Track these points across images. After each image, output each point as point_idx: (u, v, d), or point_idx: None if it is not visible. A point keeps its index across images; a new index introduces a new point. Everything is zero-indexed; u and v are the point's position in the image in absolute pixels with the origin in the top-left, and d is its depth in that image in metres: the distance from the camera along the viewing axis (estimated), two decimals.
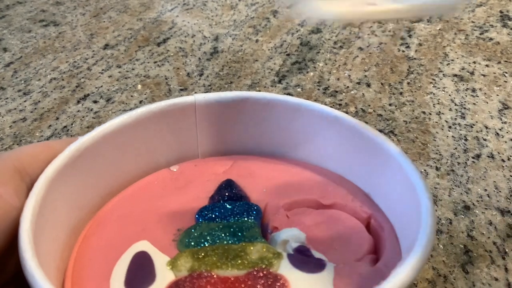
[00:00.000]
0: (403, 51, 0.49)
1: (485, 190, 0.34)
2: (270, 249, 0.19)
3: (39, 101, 0.43)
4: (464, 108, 0.42)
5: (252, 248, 0.19)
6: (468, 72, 0.46)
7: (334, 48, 0.50)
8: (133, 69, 0.48)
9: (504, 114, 0.41)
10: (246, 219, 0.21)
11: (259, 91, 0.43)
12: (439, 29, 0.53)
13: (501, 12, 0.55)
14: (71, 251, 0.20)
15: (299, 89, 0.44)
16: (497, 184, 0.34)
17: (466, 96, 0.43)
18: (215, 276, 0.18)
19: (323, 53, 0.50)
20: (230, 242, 0.20)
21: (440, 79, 0.45)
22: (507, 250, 0.30)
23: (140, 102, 0.43)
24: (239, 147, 0.25)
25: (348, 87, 0.44)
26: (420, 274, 0.27)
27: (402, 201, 0.20)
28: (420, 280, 0.28)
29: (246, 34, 0.53)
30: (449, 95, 0.43)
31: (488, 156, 0.37)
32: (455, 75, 0.46)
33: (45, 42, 0.53)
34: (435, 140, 0.38)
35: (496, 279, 0.28)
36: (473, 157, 0.37)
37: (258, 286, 0.18)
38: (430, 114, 0.41)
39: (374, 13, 0.19)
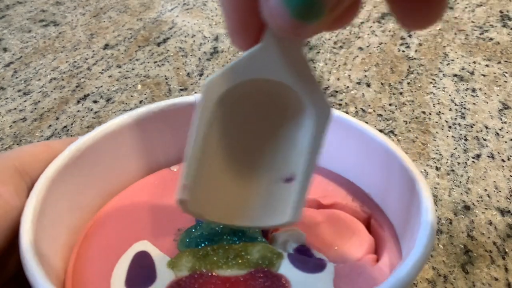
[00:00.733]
0: (403, 51, 0.49)
1: (485, 190, 0.34)
2: (270, 249, 0.19)
3: (39, 101, 0.43)
4: (464, 108, 0.42)
5: (252, 248, 0.19)
6: (468, 72, 0.46)
7: (334, 48, 0.50)
8: (133, 69, 0.48)
9: (504, 114, 0.41)
10: None
11: None
12: (439, 29, 0.53)
13: (501, 12, 0.55)
14: (72, 251, 0.20)
15: None
16: (497, 184, 0.34)
17: (466, 96, 0.43)
18: (215, 276, 0.18)
19: (323, 53, 0.50)
20: (230, 242, 0.20)
21: (440, 79, 0.45)
22: (507, 250, 0.30)
23: (140, 102, 0.43)
24: None
25: (348, 87, 0.44)
26: (420, 274, 0.27)
27: (402, 201, 0.20)
28: (420, 280, 0.28)
29: None
30: (449, 95, 0.43)
31: (488, 156, 0.37)
32: (455, 75, 0.46)
33: (45, 42, 0.53)
34: (435, 140, 0.38)
35: (496, 279, 0.28)
36: (473, 157, 0.37)
37: (259, 286, 0.18)
38: (430, 114, 0.41)
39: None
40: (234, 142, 0.17)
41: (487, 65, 0.47)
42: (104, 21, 0.56)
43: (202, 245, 0.19)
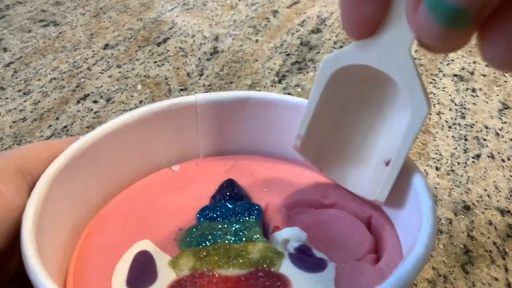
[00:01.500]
0: None
1: (485, 190, 0.34)
2: (271, 248, 0.19)
3: (39, 101, 0.43)
4: (464, 108, 0.42)
5: (253, 247, 0.19)
6: (468, 72, 0.46)
7: (334, 48, 0.50)
8: (133, 69, 0.48)
9: (504, 114, 0.41)
10: (247, 218, 0.21)
11: (259, 91, 0.43)
12: None
13: None
14: (73, 250, 0.20)
15: (299, 89, 0.44)
16: (497, 184, 0.34)
17: (466, 96, 0.43)
18: (216, 276, 0.18)
19: (323, 53, 0.50)
20: (231, 241, 0.20)
21: (440, 79, 0.45)
22: (507, 250, 0.30)
23: (140, 102, 0.43)
24: (240, 147, 0.25)
25: None
26: (420, 274, 0.27)
27: (403, 201, 0.20)
28: (420, 280, 0.28)
29: (246, 34, 0.53)
30: (449, 95, 0.43)
31: (488, 156, 0.37)
32: (455, 75, 0.46)
33: (45, 42, 0.53)
34: (435, 140, 0.38)
35: (496, 279, 0.28)
36: (473, 157, 0.37)
37: (260, 286, 0.18)
38: (430, 114, 0.41)
39: None
40: (343, 116, 0.20)
41: (487, 65, 0.47)
42: (104, 21, 0.56)
43: (203, 244, 0.19)
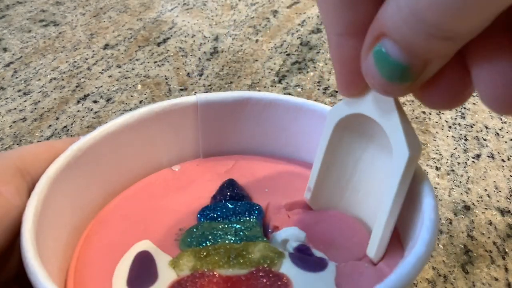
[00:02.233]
0: None
1: (485, 190, 0.34)
2: (272, 248, 0.19)
3: (39, 101, 0.43)
4: (464, 108, 0.42)
5: (254, 247, 0.19)
6: None
7: None
8: (133, 69, 0.48)
9: None
10: (248, 218, 0.21)
11: (259, 91, 0.43)
12: None
13: None
14: (73, 251, 0.20)
15: (299, 89, 0.44)
16: (497, 184, 0.34)
17: None
18: (217, 276, 0.18)
19: (323, 53, 0.50)
20: (232, 241, 0.20)
21: None
22: (507, 250, 0.30)
23: (140, 102, 0.43)
24: (241, 147, 0.25)
25: None
26: (420, 273, 0.27)
27: (404, 199, 0.20)
28: (420, 280, 0.28)
29: (246, 34, 0.53)
30: None
31: (488, 156, 0.37)
32: None
33: (45, 42, 0.53)
34: (435, 140, 0.38)
35: (496, 279, 0.28)
36: (473, 157, 0.37)
37: (260, 285, 0.18)
38: (430, 114, 0.41)
39: None
40: (345, 162, 0.21)
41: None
42: (104, 21, 0.56)
43: (204, 244, 0.19)
